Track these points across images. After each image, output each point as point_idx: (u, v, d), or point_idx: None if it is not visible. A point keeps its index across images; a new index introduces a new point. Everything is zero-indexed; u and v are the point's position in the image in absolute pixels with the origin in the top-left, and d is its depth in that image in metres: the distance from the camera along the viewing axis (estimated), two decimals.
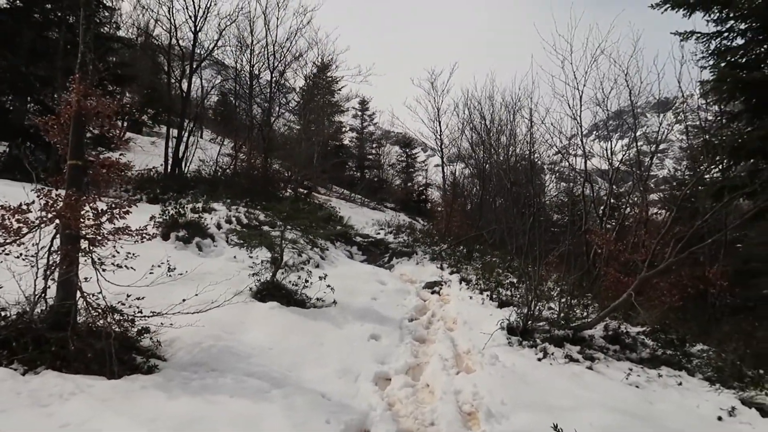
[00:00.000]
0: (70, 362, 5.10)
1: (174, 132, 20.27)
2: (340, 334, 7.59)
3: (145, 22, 23.63)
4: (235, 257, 10.18)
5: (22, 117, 15.86)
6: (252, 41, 21.92)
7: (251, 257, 10.04)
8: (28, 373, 4.84)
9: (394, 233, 19.28)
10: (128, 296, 6.01)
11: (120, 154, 17.18)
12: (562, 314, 8.60)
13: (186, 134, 20.96)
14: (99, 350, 5.15)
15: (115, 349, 5.25)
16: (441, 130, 26.29)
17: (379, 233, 19.82)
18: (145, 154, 24.54)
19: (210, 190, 15.71)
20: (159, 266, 6.50)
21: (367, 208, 31.07)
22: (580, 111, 15.46)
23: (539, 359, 7.36)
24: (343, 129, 43.87)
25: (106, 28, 19.59)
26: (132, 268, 6.13)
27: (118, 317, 5.76)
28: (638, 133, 15.63)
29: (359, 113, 45.33)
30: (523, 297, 9.98)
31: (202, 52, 20.95)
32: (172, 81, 20.95)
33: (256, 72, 22.62)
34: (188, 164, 20.92)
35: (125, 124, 28.91)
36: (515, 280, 11.57)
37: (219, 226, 11.40)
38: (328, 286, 8.84)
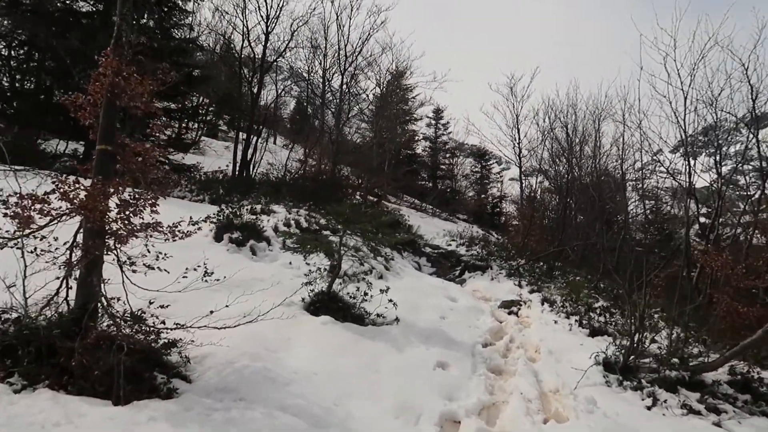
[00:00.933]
0: (76, 379, 4.26)
1: (244, 135, 20.04)
2: (401, 359, 6.42)
3: (223, 28, 23.62)
4: (290, 263, 9.26)
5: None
6: (325, 44, 21.43)
7: (308, 264, 9.10)
8: (25, 389, 4.03)
9: (467, 245, 17.92)
10: (150, 303, 5.14)
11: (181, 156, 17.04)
12: (672, 350, 7.00)
13: (255, 137, 20.68)
14: (109, 367, 4.27)
15: (133, 366, 4.39)
16: (519, 139, 24.65)
17: (450, 245, 18.54)
18: (218, 158, 24.58)
19: (274, 192, 15.07)
20: (195, 269, 5.58)
21: (439, 218, 29.85)
22: (685, 114, 13.55)
23: (648, 407, 5.86)
24: (416, 137, 42.85)
25: (182, 31, 19.56)
26: (165, 270, 5.30)
27: (138, 327, 4.92)
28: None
29: (433, 122, 44.19)
30: (621, 326, 8.44)
31: (273, 56, 20.57)
32: (243, 84, 20.66)
33: (329, 77, 22.12)
34: (256, 167, 20.59)
35: (202, 127, 29.42)
36: (606, 304, 9.95)
37: (276, 229, 10.56)
38: (390, 300, 7.72)
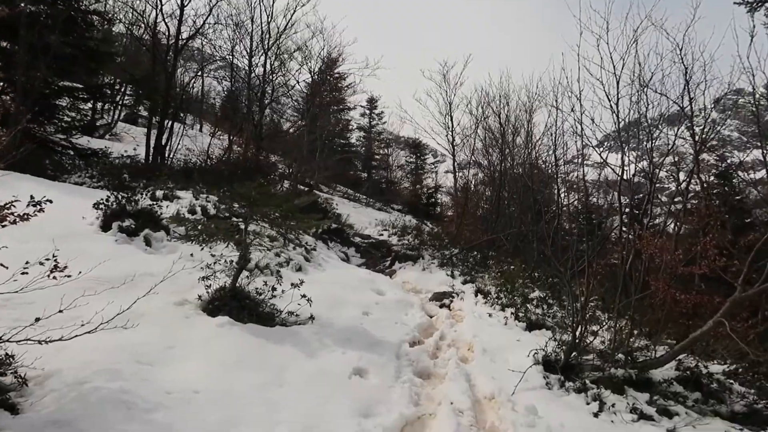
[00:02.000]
0: None
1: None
2: (312, 367, 5.34)
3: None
4: (192, 255, 7.94)
5: None
6: (251, 23, 19.86)
7: (213, 255, 7.83)
8: None
9: (399, 235, 17.08)
10: None
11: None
12: (617, 345, 6.31)
13: (170, 121, 18.93)
14: None
15: None
16: (453, 126, 24.01)
17: (381, 234, 17.67)
18: (137, 145, 22.48)
19: (185, 178, 13.58)
20: (42, 263, 4.26)
21: (372, 208, 28.97)
22: (617, 98, 13.15)
23: (594, 413, 5.09)
24: (350, 127, 41.79)
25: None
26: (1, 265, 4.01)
27: None
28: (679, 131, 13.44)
29: (367, 111, 43.19)
30: (560, 318, 7.74)
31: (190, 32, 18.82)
32: (157, 64, 18.80)
33: (253, 58, 20.58)
34: (173, 153, 18.86)
35: (119, 111, 27.02)
36: (542, 294, 9.27)
37: (178, 217, 9.21)
38: (303, 296, 6.63)
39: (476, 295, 9.54)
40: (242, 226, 6.91)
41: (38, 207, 4.28)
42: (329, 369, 5.37)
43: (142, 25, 19.48)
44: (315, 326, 6.55)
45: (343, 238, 14.69)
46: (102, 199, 8.59)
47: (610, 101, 13.08)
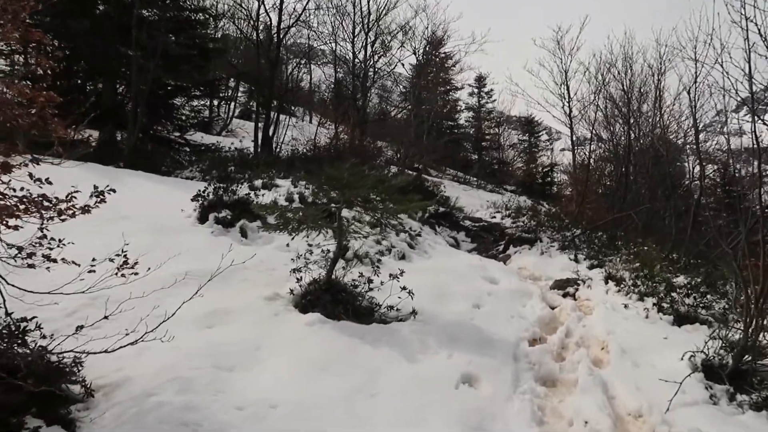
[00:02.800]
0: None
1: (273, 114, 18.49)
2: (411, 372, 4.56)
3: None
4: (287, 245, 7.50)
5: (113, 99, 14.68)
6: (352, 7, 19.36)
7: (310, 245, 7.32)
8: None
9: (513, 216, 15.77)
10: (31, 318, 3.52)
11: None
12: None
13: (276, 113, 19.09)
14: None
15: None
16: (570, 97, 21.94)
17: (494, 217, 16.46)
18: (250, 139, 23.22)
19: (287, 167, 13.40)
20: (112, 260, 3.86)
21: (484, 190, 27.69)
22: None
23: None
24: (459, 108, 40.41)
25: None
26: (74, 263, 3.70)
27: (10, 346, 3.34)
28: None
29: (476, 90, 41.47)
30: (721, 310, 6.30)
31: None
32: (261, 55, 18.95)
33: (355, 42, 20.12)
34: (280, 144, 19.03)
35: (233, 108, 28.13)
36: (691, 281, 7.71)
37: (275, 205, 8.86)
38: (404, 288, 5.87)
39: (606, 282, 8.21)
40: (337, 212, 6.27)
41: (100, 198, 3.85)
42: (432, 375, 4.55)
43: (247, 19, 19.68)
44: (417, 322, 5.77)
45: (452, 222, 13.77)
46: (200, 191, 8.43)
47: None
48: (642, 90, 20.56)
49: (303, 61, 25.18)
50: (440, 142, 32.50)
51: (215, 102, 27.91)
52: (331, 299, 5.83)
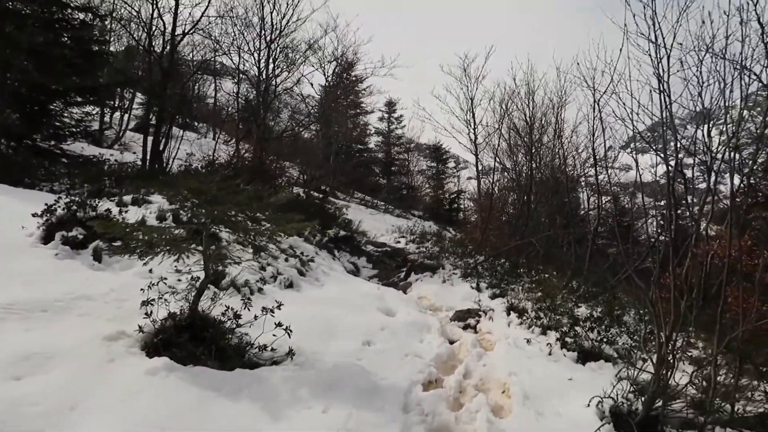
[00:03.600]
0: None
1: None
2: None
3: None
4: (150, 271, 6.31)
5: None
6: (261, 13, 18.25)
7: (179, 270, 6.18)
8: None
9: (417, 242, 15.30)
10: None
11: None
12: (718, 388, 4.42)
13: (167, 125, 17.58)
14: None
15: None
16: (475, 124, 22.13)
17: (398, 242, 15.91)
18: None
19: (169, 184, 12.05)
20: None
21: (391, 215, 27.29)
22: (668, 77, 11.16)
23: None
24: (368, 131, 40.23)
25: None
26: None
27: None
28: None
29: (386, 115, 41.65)
30: (625, 346, 5.89)
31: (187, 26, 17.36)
32: (153, 62, 17.41)
33: (256, 54, 19.02)
34: (173, 159, 17.48)
35: (127, 121, 25.88)
36: (593, 312, 7.35)
37: (142, 225, 7.63)
38: (279, 325, 4.91)
39: (508, 314, 7.70)
40: (204, 233, 5.24)
41: None
42: None
43: (137, 22, 18.07)
44: (293, 366, 4.83)
45: (353, 247, 12.99)
46: (47, 204, 7.03)
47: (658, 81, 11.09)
48: (542, 122, 21.14)
49: (201, 75, 23.67)
50: (349, 164, 32.05)
51: (107, 113, 25.64)
52: (190, 338, 4.77)
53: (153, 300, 4.90)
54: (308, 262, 8.74)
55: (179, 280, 6.09)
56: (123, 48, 24.96)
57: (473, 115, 22.23)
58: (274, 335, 4.93)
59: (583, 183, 22.70)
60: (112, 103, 25.13)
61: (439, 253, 12.34)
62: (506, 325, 7.25)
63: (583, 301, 8.41)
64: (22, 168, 12.14)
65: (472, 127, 22.22)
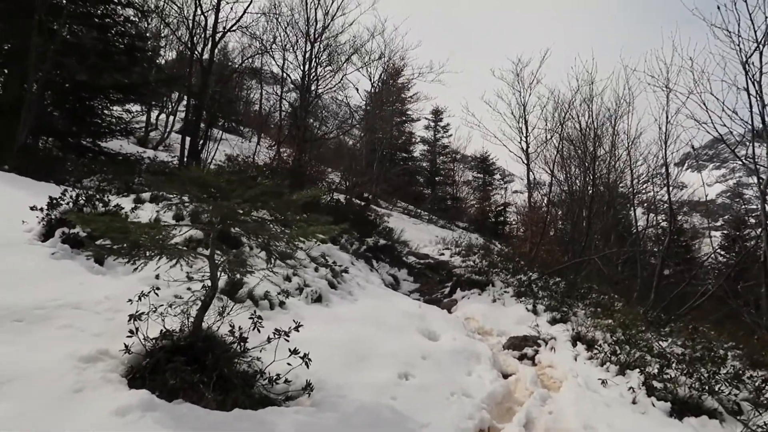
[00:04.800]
0: None
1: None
2: None
3: None
4: (158, 277, 5.43)
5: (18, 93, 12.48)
6: (306, 15, 17.60)
7: (191, 278, 5.28)
8: None
9: (463, 255, 14.11)
10: None
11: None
12: None
13: (207, 125, 17.11)
14: None
15: None
16: (527, 131, 20.83)
17: (442, 254, 14.79)
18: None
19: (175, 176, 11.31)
20: None
21: (435, 225, 26.17)
22: (760, 77, 9.69)
23: None
24: (414, 140, 39.31)
25: None
26: None
27: None
28: None
29: (432, 123, 40.66)
30: (733, 396, 4.61)
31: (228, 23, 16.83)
32: (194, 61, 16.95)
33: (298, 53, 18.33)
34: (211, 159, 16.95)
35: (172, 123, 25.76)
36: (683, 349, 6.01)
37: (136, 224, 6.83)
38: (295, 352, 3.90)
39: (574, 344, 6.45)
40: (211, 234, 4.32)
41: None
42: None
43: (179, 17, 17.70)
44: (309, 406, 3.83)
45: (393, 257, 11.95)
46: (51, 197, 6.29)
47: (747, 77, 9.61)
48: (599, 131, 19.73)
49: (247, 79, 23.25)
50: (392, 172, 31.19)
51: (154, 114, 25.62)
52: (186, 362, 3.83)
53: (143, 314, 3.99)
54: (341, 273, 7.75)
55: (189, 290, 5.21)
56: (174, 51, 24.96)
57: (525, 122, 20.97)
58: (289, 364, 3.93)
59: (639, 199, 21.23)
60: (158, 104, 25.06)
61: (488, 268, 11.14)
62: (572, 359, 6.02)
63: (657, 331, 7.09)
64: (54, 163, 11.69)
65: (524, 134, 20.96)
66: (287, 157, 19.33)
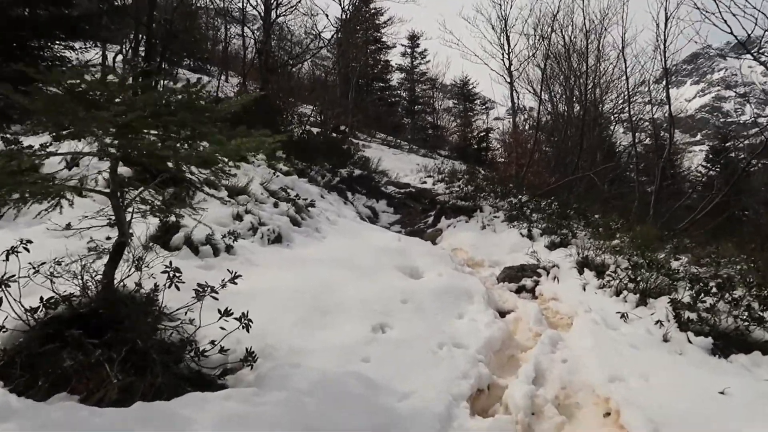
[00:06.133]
0: None
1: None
2: None
3: None
4: (69, 226, 4.28)
5: None
6: None
7: (112, 225, 4.15)
8: None
9: (447, 181, 13.07)
10: None
11: None
12: None
13: (159, 58, 15.44)
14: None
15: None
16: (509, 47, 19.38)
17: (425, 182, 13.71)
18: None
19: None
20: None
21: (416, 155, 25.00)
22: None
23: None
24: (390, 68, 37.35)
25: None
26: None
27: None
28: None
29: (408, 50, 38.51)
30: None
31: None
32: None
33: None
34: None
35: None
36: (719, 269, 5.08)
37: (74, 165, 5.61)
38: (226, 313, 2.86)
39: (581, 271, 5.51)
40: (111, 165, 3.18)
41: None
42: None
43: None
44: (248, 384, 2.83)
45: (371, 188, 10.86)
46: None
47: None
48: (583, 46, 18.47)
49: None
50: (369, 101, 29.75)
51: (111, 57, 23.49)
52: (89, 333, 2.81)
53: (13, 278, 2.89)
54: (307, 207, 6.65)
55: (109, 238, 4.14)
56: None
57: (507, 38, 19.48)
58: (222, 328, 2.90)
59: (621, 117, 20.40)
60: (116, 44, 22.94)
61: (475, 193, 10.10)
62: (580, 289, 5.09)
63: (672, 251, 6.19)
64: None
65: (507, 51, 19.54)
66: (253, 90, 17.79)
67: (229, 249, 4.80)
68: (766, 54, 9.11)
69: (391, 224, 9.44)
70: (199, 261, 4.49)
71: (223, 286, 3.01)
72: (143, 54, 14.79)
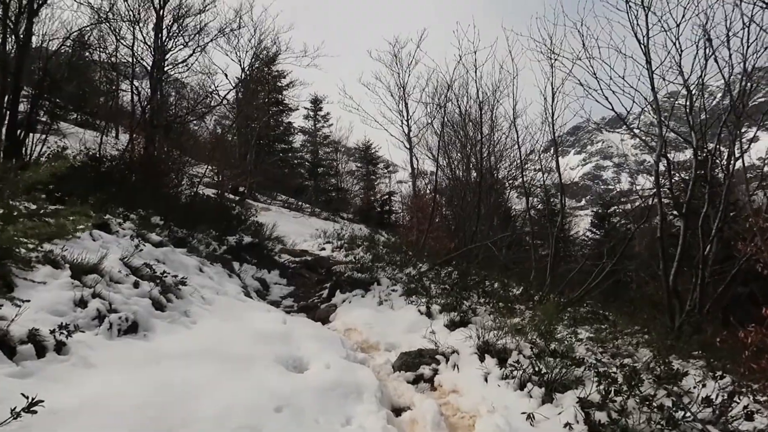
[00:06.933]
0: None
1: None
2: None
3: None
4: None
5: None
6: None
7: None
8: None
9: (346, 248, 12.54)
10: None
11: None
12: None
13: (30, 106, 13.94)
14: None
15: None
16: (408, 114, 19.80)
17: (323, 248, 13.14)
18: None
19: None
20: None
21: (317, 218, 24.46)
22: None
23: None
24: (293, 130, 37.14)
25: None
26: None
27: None
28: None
29: (311, 113, 38.76)
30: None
31: None
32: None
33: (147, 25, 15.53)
34: (39, 151, 13.75)
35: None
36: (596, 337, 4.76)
37: None
38: None
39: (482, 358, 4.99)
40: None
41: None
42: None
43: None
44: None
45: (262, 257, 10.02)
46: None
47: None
48: (478, 116, 19.12)
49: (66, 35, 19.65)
50: (269, 162, 29.15)
51: None
52: None
53: None
54: (177, 285, 5.73)
55: None
56: None
57: (406, 105, 19.91)
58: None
59: (513, 184, 21.27)
60: None
61: (373, 263, 9.58)
62: (482, 380, 4.55)
63: (577, 321, 5.94)
64: None
65: (405, 118, 19.91)
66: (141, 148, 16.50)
67: (60, 347, 3.80)
68: (638, 128, 9.70)
69: (284, 297, 8.64)
70: (12, 367, 3.45)
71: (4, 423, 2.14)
72: (8, 106, 13.24)
